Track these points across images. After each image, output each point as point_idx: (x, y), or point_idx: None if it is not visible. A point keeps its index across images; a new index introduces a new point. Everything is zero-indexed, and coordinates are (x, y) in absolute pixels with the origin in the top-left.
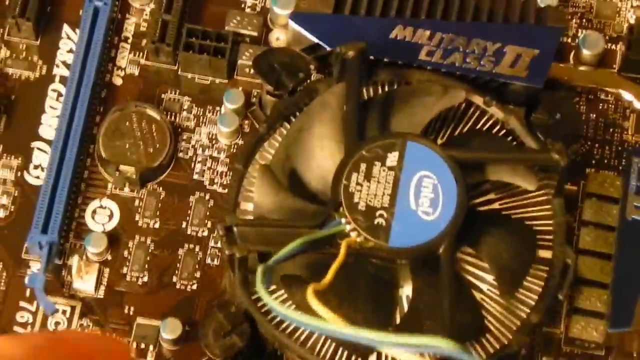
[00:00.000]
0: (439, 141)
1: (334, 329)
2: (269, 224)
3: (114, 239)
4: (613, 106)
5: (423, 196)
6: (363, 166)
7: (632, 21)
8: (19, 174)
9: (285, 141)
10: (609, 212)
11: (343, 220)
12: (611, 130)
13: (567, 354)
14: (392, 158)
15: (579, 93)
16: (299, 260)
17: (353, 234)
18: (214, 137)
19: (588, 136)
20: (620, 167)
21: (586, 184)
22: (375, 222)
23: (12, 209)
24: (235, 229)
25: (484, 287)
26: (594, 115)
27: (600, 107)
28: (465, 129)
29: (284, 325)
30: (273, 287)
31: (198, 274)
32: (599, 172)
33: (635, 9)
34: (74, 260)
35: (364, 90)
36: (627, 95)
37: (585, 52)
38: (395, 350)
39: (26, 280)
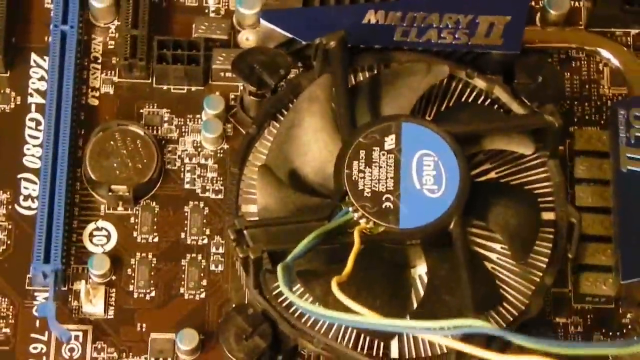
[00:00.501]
0: (427, 118)
1: (363, 320)
2: (278, 222)
3: (116, 259)
4: (585, 62)
5: (426, 174)
6: (362, 153)
7: None
8: (9, 207)
9: (278, 139)
10: (601, 166)
11: (351, 208)
12: (587, 86)
13: (578, 311)
14: (390, 141)
15: (550, 54)
16: (310, 255)
17: (363, 221)
18: (198, 144)
19: (566, 95)
20: (602, 122)
21: (573, 142)
22: (383, 207)
23: (8, 243)
24: (245, 231)
25: (494, 256)
26: (569, 74)
27: (574, 65)
28: (451, 103)
29: (305, 320)
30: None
31: (204, 282)
32: (583, 129)
33: None
34: (81, 285)
35: (349, 79)
36: (601, 51)
37: (552, 13)
38: (423, 334)
39: (35, 310)
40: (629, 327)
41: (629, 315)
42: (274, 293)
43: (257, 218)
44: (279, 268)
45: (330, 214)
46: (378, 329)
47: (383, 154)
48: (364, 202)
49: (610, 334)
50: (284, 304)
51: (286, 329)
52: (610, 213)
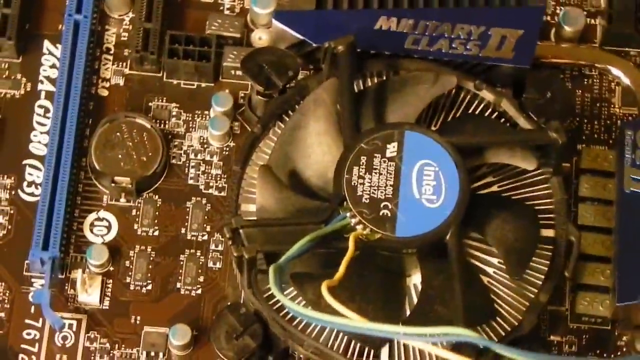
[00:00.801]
0: (433, 128)
1: (352, 324)
2: (275, 223)
3: (115, 250)
4: (598, 81)
5: (425, 184)
6: (363, 159)
7: None
8: (13, 192)
9: (281, 140)
10: (605, 186)
11: (348, 214)
12: (598, 104)
13: (574, 330)
14: (392, 149)
15: (563, 70)
16: (305, 258)
17: (359, 227)
18: (205, 141)
19: (576, 112)
20: (611, 141)
21: (579, 160)
22: (381, 214)
23: (9, 228)
24: (241, 230)
25: (490, 270)
26: (580, 91)
27: (585, 83)
28: (458, 114)
29: (296, 323)
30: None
31: (201, 278)
32: (590, 147)
33: None
34: (78, 274)
35: (356, 84)
36: (612, 69)
37: (567, 29)
38: (411, 340)
39: (31, 297)
40: (624, 349)
41: (624, 338)
42: (266, 294)
43: (255, 218)
44: (271, 269)
45: (328, 218)
46: (366, 333)
47: (384, 161)
48: (362, 208)
49: (605, 355)
50: (276, 306)
51: (277, 331)
52: (612, 233)
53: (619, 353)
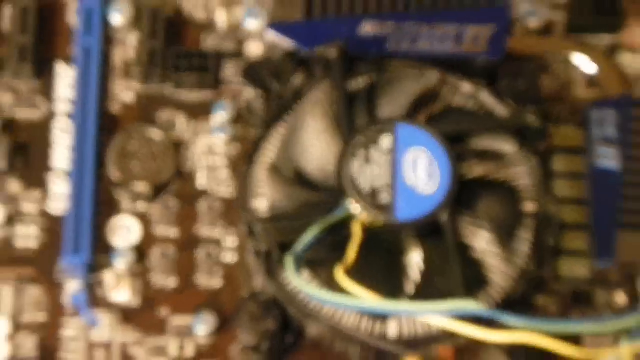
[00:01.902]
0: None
1: (365, 303)
2: (287, 217)
3: (138, 251)
4: (563, 67)
5: (419, 171)
6: (362, 153)
7: None
8: (40, 205)
9: (283, 141)
10: (577, 161)
11: (352, 204)
12: (564, 89)
13: (557, 293)
14: (387, 142)
15: (531, 60)
16: (314, 246)
17: (363, 215)
18: (211, 146)
19: (546, 97)
20: (578, 121)
21: (551, 139)
22: (381, 202)
23: (41, 238)
24: (258, 225)
25: (482, 244)
26: (547, 78)
27: (552, 70)
28: (442, 106)
29: (310, 304)
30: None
31: (220, 272)
32: (560, 127)
33: None
34: (108, 276)
35: (348, 84)
36: (574, 56)
37: (532, 22)
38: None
39: (68, 298)
40: (604, 306)
41: (604, 297)
42: (283, 281)
43: (265, 212)
44: (289, 258)
45: (334, 208)
46: (378, 312)
47: (380, 154)
48: (364, 197)
49: (586, 313)
50: (292, 290)
51: (294, 313)
52: (586, 203)
53: (599, 311)
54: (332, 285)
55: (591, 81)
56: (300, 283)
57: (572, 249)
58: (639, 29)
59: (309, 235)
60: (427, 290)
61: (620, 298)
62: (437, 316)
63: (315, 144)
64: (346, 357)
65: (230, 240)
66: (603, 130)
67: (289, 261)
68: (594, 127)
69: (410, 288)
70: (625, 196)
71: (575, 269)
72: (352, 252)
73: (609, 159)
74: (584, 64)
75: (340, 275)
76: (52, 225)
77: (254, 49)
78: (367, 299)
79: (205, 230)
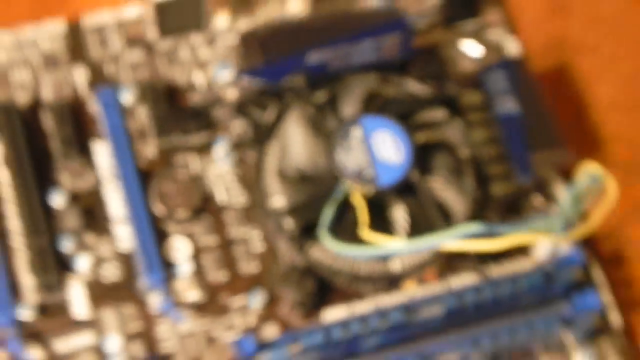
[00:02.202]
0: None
1: (391, 248)
2: (305, 205)
3: (193, 259)
4: (455, 51)
5: (387, 147)
6: (342, 145)
7: None
8: (112, 247)
9: (279, 151)
10: (485, 113)
11: (347, 183)
12: (459, 66)
13: (497, 207)
14: (357, 132)
15: (432, 51)
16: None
17: (358, 189)
18: (221, 171)
19: (451, 74)
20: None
21: (461, 102)
22: (367, 177)
23: (121, 269)
24: (285, 217)
25: (442, 187)
26: (444, 61)
27: (444, 55)
28: (384, 98)
29: (335, 264)
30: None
31: (257, 261)
32: (465, 92)
33: None
34: (178, 283)
35: (314, 100)
36: (459, 41)
37: (422, 21)
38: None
39: (155, 307)
40: (537, 209)
41: (535, 199)
42: (312, 253)
43: (285, 207)
44: (323, 232)
45: (334, 190)
46: (400, 253)
47: (355, 142)
48: (354, 177)
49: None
50: (318, 258)
51: (323, 273)
52: (500, 141)
53: (532, 213)
54: (353, 241)
55: (475, 60)
56: (336, 246)
57: (499, 174)
58: (492, 11)
59: (327, 214)
60: (414, 232)
61: (539, 201)
62: (450, 241)
63: (302, 148)
64: (362, 295)
65: (255, 235)
66: (497, 87)
67: (324, 234)
68: (490, 86)
69: (402, 233)
70: (528, 127)
71: (504, 188)
72: (364, 215)
73: (507, 106)
74: (470, 49)
75: (365, 232)
76: (125, 259)
77: (231, 94)
78: (392, 243)
79: (235, 232)
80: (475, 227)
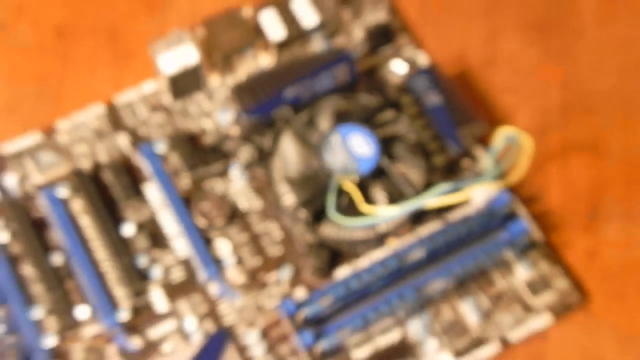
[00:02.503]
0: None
1: (388, 214)
2: (311, 198)
3: (235, 254)
4: (384, 69)
5: (360, 144)
6: (328, 149)
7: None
8: (176, 257)
9: (281, 163)
10: (417, 107)
11: (339, 176)
12: (388, 80)
13: (440, 172)
14: (336, 138)
15: (369, 72)
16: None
17: (347, 179)
18: (242, 185)
19: (390, 87)
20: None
21: (400, 103)
22: (352, 169)
23: (184, 272)
24: (299, 209)
25: (404, 166)
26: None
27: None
28: (348, 110)
29: (340, 235)
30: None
31: (281, 247)
32: (402, 96)
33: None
34: (228, 272)
35: (298, 122)
36: (391, 63)
37: (358, 54)
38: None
39: (216, 293)
40: (467, 170)
41: (465, 165)
42: (321, 231)
43: (295, 202)
44: (332, 213)
45: (330, 183)
46: (393, 217)
47: (336, 145)
48: (342, 171)
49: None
50: (328, 234)
51: (332, 244)
52: (432, 125)
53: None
54: (355, 215)
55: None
56: (346, 220)
57: (437, 149)
58: (402, 35)
59: (331, 200)
60: (392, 202)
61: (468, 164)
62: (432, 199)
63: (297, 157)
64: (360, 254)
65: (274, 227)
66: (421, 87)
67: (334, 214)
68: (416, 88)
69: (384, 204)
70: (449, 111)
71: (442, 159)
72: (358, 196)
73: (431, 99)
74: (397, 66)
75: (364, 207)
76: (185, 263)
77: (234, 130)
78: (388, 210)
79: (258, 228)
80: (446, 186)
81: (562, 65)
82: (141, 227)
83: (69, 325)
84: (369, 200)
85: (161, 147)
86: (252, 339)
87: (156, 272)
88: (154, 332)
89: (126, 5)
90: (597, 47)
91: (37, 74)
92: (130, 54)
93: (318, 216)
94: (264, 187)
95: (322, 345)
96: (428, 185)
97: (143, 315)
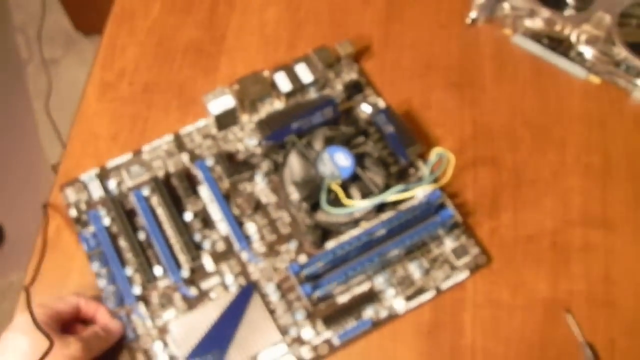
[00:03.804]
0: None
1: (362, 205)
2: (310, 194)
3: (258, 233)
4: (357, 109)
5: (342, 158)
6: (320, 162)
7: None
8: (218, 235)
9: (289, 173)
10: (379, 135)
11: (328, 180)
12: (359, 116)
13: (397, 175)
14: (326, 155)
15: (347, 111)
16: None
17: (334, 181)
18: (263, 187)
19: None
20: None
21: (367, 132)
22: (336, 175)
23: (225, 244)
24: (302, 202)
25: (372, 173)
26: (354, 115)
27: (353, 112)
28: (334, 136)
29: (330, 221)
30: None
31: (289, 228)
32: (369, 126)
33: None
34: (254, 245)
35: (301, 145)
36: (362, 105)
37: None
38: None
39: (247, 259)
40: (412, 176)
41: (411, 172)
42: (318, 217)
43: (299, 197)
44: (324, 205)
45: (323, 184)
46: (366, 208)
47: (326, 160)
48: (330, 177)
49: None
50: (322, 219)
51: (325, 225)
52: (389, 146)
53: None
54: (340, 206)
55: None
56: (333, 210)
57: (392, 162)
58: (367, 88)
59: (323, 197)
60: (364, 197)
61: (412, 172)
62: (390, 196)
63: (300, 168)
64: (342, 232)
65: (284, 215)
66: (381, 121)
67: (325, 205)
68: (378, 121)
69: (358, 199)
70: (400, 136)
71: (395, 168)
72: (341, 193)
73: (388, 128)
74: (365, 107)
75: (346, 200)
76: (226, 239)
77: (257, 150)
78: (361, 203)
79: (274, 215)
80: (399, 187)
81: (472, 109)
82: (196, 214)
83: (149, 279)
84: (348, 196)
85: (210, 162)
86: (270, 289)
87: (206, 244)
88: (205, 284)
89: (190, 71)
90: (494, 98)
91: (131, 115)
92: (191, 102)
93: (314, 207)
94: (277, 188)
95: (318, 293)
96: (387, 186)
97: (197, 273)
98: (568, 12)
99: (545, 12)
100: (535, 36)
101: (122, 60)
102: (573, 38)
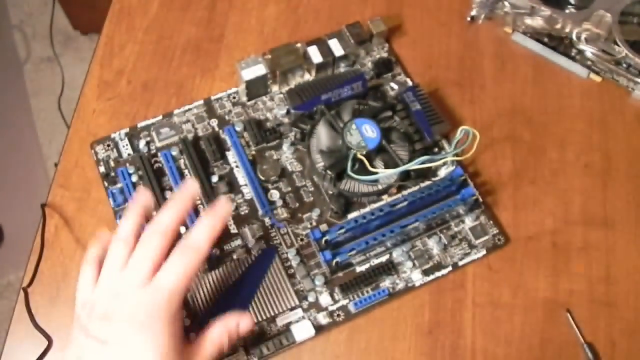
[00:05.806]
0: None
1: (388, 172)
2: (337, 162)
3: (281, 198)
4: (385, 86)
5: (369, 130)
6: (348, 133)
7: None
8: (243, 198)
9: (316, 140)
10: (407, 112)
11: (355, 150)
12: (388, 92)
13: (418, 152)
14: (354, 125)
15: (376, 87)
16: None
17: (360, 151)
18: (289, 155)
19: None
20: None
21: (395, 107)
22: (362, 145)
23: (249, 208)
24: (329, 169)
25: (397, 147)
26: (382, 91)
27: (381, 88)
28: (361, 108)
29: (354, 190)
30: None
31: (311, 195)
32: (395, 102)
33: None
34: (277, 211)
35: (329, 115)
36: (388, 82)
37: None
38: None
39: (268, 222)
40: (435, 153)
41: (435, 149)
42: (342, 185)
43: (324, 165)
44: (349, 173)
45: (350, 154)
46: (389, 176)
47: (353, 130)
48: (357, 147)
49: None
50: (345, 187)
51: (348, 195)
52: (415, 123)
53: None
54: (366, 175)
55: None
56: (360, 177)
57: (417, 138)
58: (396, 67)
59: (349, 164)
60: (387, 168)
61: (436, 149)
62: (418, 165)
63: (327, 137)
64: (365, 204)
65: (308, 183)
66: (408, 98)
67: (350, 174)
68: (405, 98)
69: (382, 169)
70: (426, 114)
71: (420, 144)
72: (366, 162)
73: (415, 105)
74: (394, 85)
75: (370, 169)
76: (250, 202)
77: (286, 118)
78: (384, 172)
79: (298, 183)
80: (424, 158)
81: (471, 108)
82: (222, 178)
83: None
84: (372, 165)
85: (238, 128)
86: (291, 254)
87: (231, 207)
88: (229, 246)
89: (188, 69)
90: (494, 97)
91: (130, 113)
92: (190, 100)
93: (339, 177)
94: (303, 157)
95: (337, 260)
96: (410, 161)
97: (222, 235)
98: (568, 10)
99: (546, 10)
100: (536, 34)
101: (120, 58)
102: (573, 36)
